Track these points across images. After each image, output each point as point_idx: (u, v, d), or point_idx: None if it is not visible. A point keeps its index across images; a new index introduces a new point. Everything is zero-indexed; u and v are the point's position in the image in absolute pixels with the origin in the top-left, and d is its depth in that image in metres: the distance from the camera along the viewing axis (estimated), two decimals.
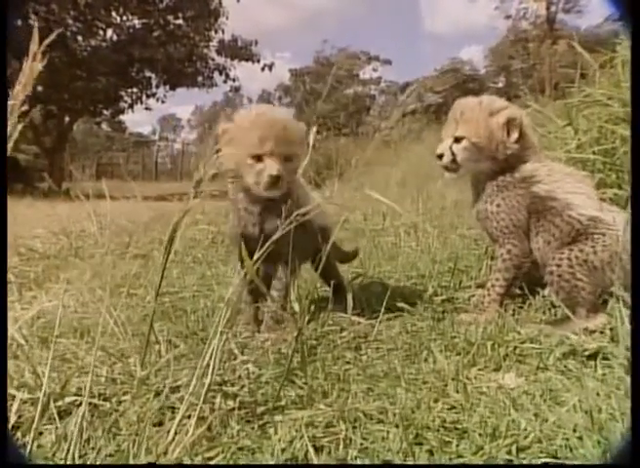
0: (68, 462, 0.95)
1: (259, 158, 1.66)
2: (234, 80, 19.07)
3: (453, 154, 1.89)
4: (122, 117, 23.59)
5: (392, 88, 31.38)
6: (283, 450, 1.01)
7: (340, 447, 1.02)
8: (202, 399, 1.05)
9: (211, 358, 1.11)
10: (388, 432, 1.03)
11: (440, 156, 1.92)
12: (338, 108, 30.19)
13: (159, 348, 1.51)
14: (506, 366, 1.37)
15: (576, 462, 0.88)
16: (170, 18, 17.25)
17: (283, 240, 1.82)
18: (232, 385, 1.31)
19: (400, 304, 1.90)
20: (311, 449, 0.99)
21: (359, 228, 4.45)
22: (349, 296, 1.87)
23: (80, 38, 15.15)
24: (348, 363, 1.48)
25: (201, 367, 1.11)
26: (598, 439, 0.91)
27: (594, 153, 1.88)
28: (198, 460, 0.98)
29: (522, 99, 3.85)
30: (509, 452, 0.94)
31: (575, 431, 0.96)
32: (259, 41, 18.65)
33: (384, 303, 1.72)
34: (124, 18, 16.52)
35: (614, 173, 1.85)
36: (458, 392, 1.21)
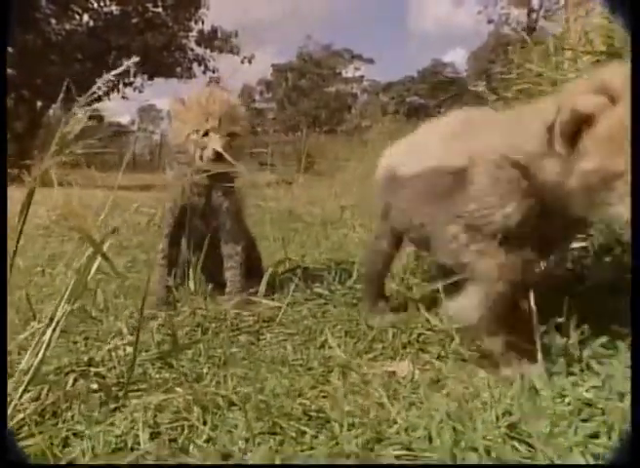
0: None
1: (204, 133, 1.71)
2: (214, 71, 18.80)
3: None
4: (100, 106, 23.15)
5: (374, 87, 31.38)
6: (118, 437, 0.89)
7: (184, 434, 0.90)
8: (27, 380, 0.92)
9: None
10: (240, 420, 0.91)
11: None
12: (319, 106, 30.12)
13: (33, 325, 1.38)
14: (406, 353, 1.26)
15: (431, 455, 0.77)
16: (149, 5, 16.92)
17: (230, 213, 1.82)
18: (104, 366, 1.20)
19: (318, 290, 1.80)
20: (143, 435, 0.87)
21: (314, 220, 4.38)
22: (264, 280, 1.77)
23: (54, 21, 14.76)
24: (243, 346, 1.36)
25: (37, 343, 0.97)
26: (455, 426, 0.80)
27: None
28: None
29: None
30: (367, 443, 0.83)
31: (441, 422, 0.85)
32: (244, 34, 18.48)
33: (292, 288, 1.64)
34: (101, 3, 16.14)
35: None
36: (339, 379, 1.10)
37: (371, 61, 33.05)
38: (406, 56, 58.87)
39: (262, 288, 1.72)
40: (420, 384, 1.06)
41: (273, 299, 1.71)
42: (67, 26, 15.39)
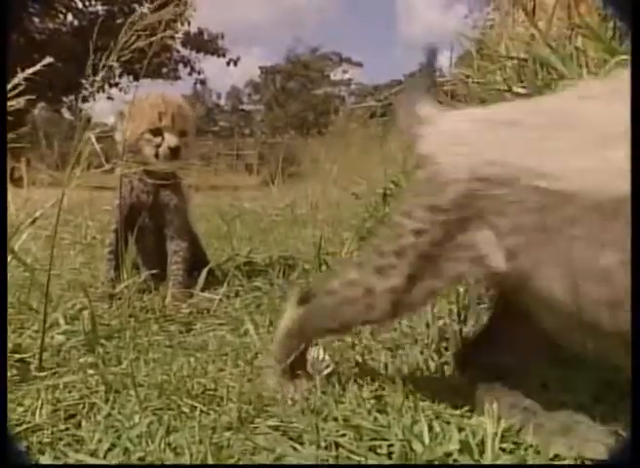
0: None
1: (157, 132, 1.79)
2: (199, 73, 18.86)
3: None
4: (87, 106, 23.11)
5: (362, 90, 31.54)
6: (19, 414, 0.94)
7: (84, 411, 0.96)
8: None
9: None
10: (136, 397, 0.97)
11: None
12: (307, 108, 30.23)
13: None
14: (320, 342, 1.33)
15: (297, 425, 0.84)
16: (135, 5, 16.93)
17: (178, 210, 1.88)
18: (25, 353, 1.25)
19: (257, 283, 1.89)
20: (43, 411, 0.93)
21: (283, 219, 4.45)
22: (203, 273, 1.83)
23: (37, 20, 14.73)
24: (170, 335, 1.42)
25: None
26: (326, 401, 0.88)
27: None
28: None
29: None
30: (246, 413, 0.90)
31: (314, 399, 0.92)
32: (232, 36, 18.59)
33: (229, 282, 1.72)
34: (86, 3, 16.13)
35: None
36: (249, 363, 1.16)
37: (359, 65, 33.27)
38: (393, 59, 59.25)
39: (201, 281, 1.78)
40: (320, 368, 1.12)
41: (215, 293, 1.78)
42: (51, 26, 15.37)
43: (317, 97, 31.19)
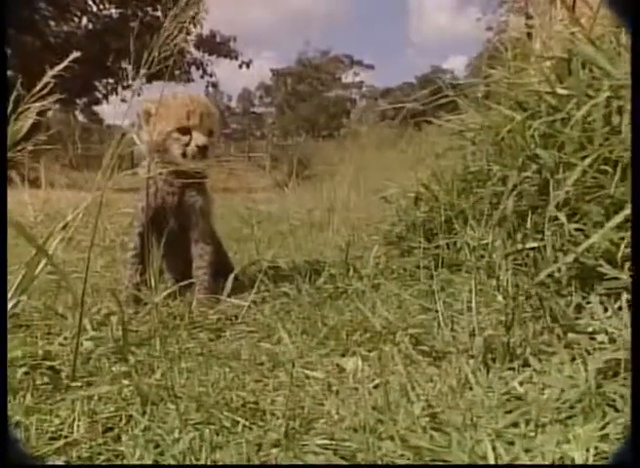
0: None
1: (185, 131, 1.75)
2: (211, 75, 18.89)
3: None
4: (100, 108, 23.28)
5: (373, 93, 31.46)
6: (56, 426, 0.91)
7: (121, 424, 0.92)
8: None
9: None
10: (176, 410, 0.93)
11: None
12: (318, 111, 30.21)
13: None
14: (357, 351, 1.28)
15: (350, 444, 0.79)
16: (148, 9, 17.01)
17: (203, 212, 1.85)
18: (60, 359, 1.22)
19: (285, 289, 1.83)
20: (81, 424, 0.89)
21: (301, 223, 4.41)
22: (230, 278, 1.79)
23: (52, 23, 14.84)
24: (200, 342, 1.38)
25: None
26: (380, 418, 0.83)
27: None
28: None
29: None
30: (295, 433, 0.86)
31: (364, 415, 0.87)
32: (244, 39, 18.65)
33: (257, 287, 1.67)
34: (100, 6, 16.23)
35: None
36: (291, 375, 1.11)
37: (370, 67, 33.19)
38: (405, 62, 59.11)
39: (228, 286, 1.74)
40: (362, 380, 1.08)
41: (242, 298, 1.74)
42: (66, 29, 15.48)
43: (328, 100, 31.18)
